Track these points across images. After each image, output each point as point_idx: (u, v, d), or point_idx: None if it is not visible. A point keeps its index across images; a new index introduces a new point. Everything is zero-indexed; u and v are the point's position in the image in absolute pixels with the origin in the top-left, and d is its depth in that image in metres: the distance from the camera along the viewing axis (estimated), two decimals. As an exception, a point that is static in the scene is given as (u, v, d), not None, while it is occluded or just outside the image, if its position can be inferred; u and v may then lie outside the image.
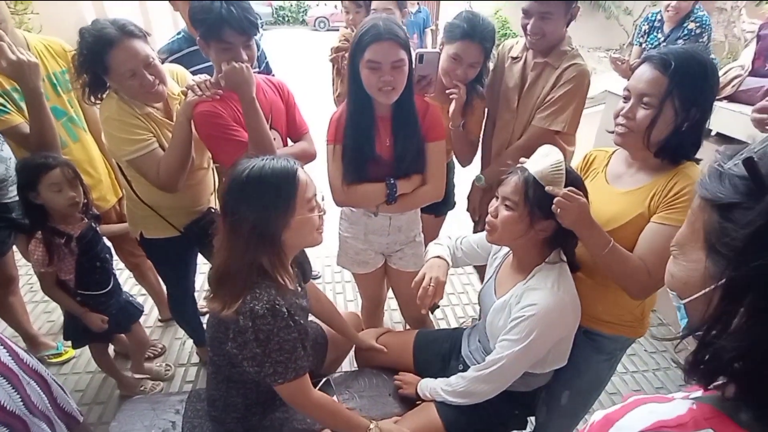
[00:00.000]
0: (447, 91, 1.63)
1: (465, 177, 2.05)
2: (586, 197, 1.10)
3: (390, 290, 1.96)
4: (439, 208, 1.95)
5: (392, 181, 1.46)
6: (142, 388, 1.95)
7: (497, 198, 1.19)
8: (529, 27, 1.59)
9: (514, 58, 1.75)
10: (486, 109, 1.80)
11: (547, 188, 1.08)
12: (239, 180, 1.06)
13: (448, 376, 1.34)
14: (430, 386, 1.35)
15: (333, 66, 2.45)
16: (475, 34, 1.55)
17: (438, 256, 1.42)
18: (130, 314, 1.80)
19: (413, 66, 1.41)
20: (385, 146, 1.45)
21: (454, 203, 2.06)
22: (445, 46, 1.63)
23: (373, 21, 1.31)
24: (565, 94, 1.60)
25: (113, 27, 1.32)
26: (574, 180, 1.11)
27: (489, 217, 1.20)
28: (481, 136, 1.95)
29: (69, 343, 1.82)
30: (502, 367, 1.17)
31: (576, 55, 1.63)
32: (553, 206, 1.05)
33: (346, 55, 2.10)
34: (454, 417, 1.28)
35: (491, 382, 1.20)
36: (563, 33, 1.63)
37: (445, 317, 2.51)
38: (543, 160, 1.12)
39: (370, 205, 1.52)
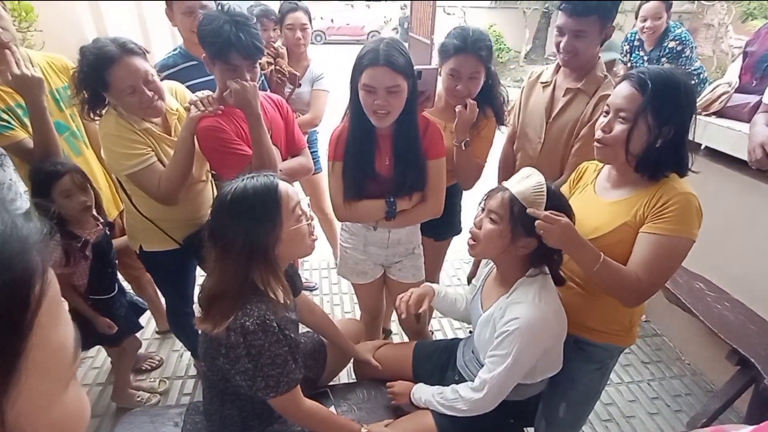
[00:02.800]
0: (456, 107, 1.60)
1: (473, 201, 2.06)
2: (571, 217, 1.14)
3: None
4: (441, 232, 1.93)
5: (392, 199, 1.48)
6: (138, 399, 1.95)
7: (483, 210, 1.22)
8: (562, 45, 1.56)
9: (543, 83, 1.72)
10: (495, 130, 1.73)
11: (528, 210, 1.11)
12: (223, 204, 1.08)
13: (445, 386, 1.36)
14: (425, 397, 1.35)
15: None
16: (467, 45, 1.54)
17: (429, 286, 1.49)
18: (136, 314, 1.87)
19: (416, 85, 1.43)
20: (384, 164, 1.48)
21: (461, 229, 2.00)
22: (442, 66, 1.63)
23: (374, 44, 1.34)
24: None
25: (114, 45, 1.36)
26: (557, 201, 1.15)
27: (473, 228, 1.23)
28: (502, 160, 1.91)
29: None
30: (495, 383, 1.19)
31: (610, 83, 1.58)
32: (536, 228, 1.08)
33: (278, 68, 2.23)
34: (449, 425, 1.30)
35: (487, 399, 1.22)
36: (596, 54, 1.60)
37: (442, 328, 2.53)
38: (525, 182, 1.15)
39: (370, 221, 1.55)
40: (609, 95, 1.51)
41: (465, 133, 1.60)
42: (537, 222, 1.08)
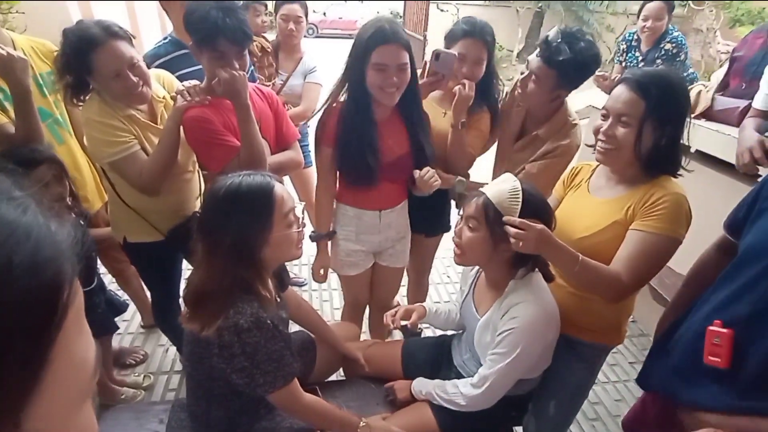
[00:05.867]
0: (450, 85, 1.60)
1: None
2: (550, 222, 1.16)
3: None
4: (432, 228, 1.94)
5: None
6: (123, 397, 1.91)
7: (461, 219, 1.24)
8: (520, 79, 1.62)
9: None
10: (489, 125, 1.76)
11: (504, 218, 1.11)
12: (216, 199, 1.06)
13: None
14: (425, 389, 1.36)
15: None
16: (475, 30, 1.59)
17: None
18: (114, 314, 1.80)
19: (427, 63, 1.57)
20: (387, 146, 1.49)
21: (450, 227, 2.01)
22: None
23: (378, 23, 1.36)
24: (537, 165, 1.61)
25: (98, 27, 1.32)
26: (534, 207, 1.15)
27: (455, 238, 1.25)
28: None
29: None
30: (495, 381, 1.20)
31: (569, 129, 1.60)
32: (511, 236, 1.08)
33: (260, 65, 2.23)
34: (449, 418, 1.30)
35: (487, 395, 1.22)
36: (552, 107, 1.61)
37: (430, 325, 2.52)
38: (501, 186, 1.17)
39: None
40: (557, 147, 1.57)
41: (463, 113, 1.59)
42: (511, 230, 1.08)
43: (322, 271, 1.67)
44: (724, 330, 0.94)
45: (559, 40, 1.46)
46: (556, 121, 1.62)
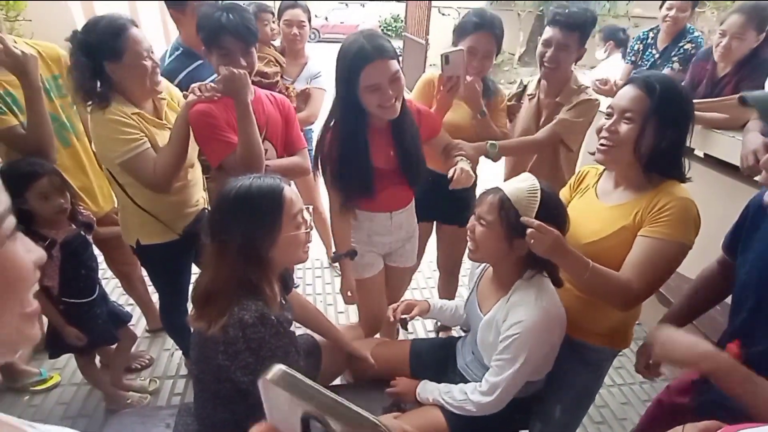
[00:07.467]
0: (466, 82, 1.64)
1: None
2: (564, 225, 1.15)
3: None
4: (466, 218, 1.93)
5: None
6: (129, 402, 1.91)
7: (474, 216, 1.23)
8: (547, 55, 1.69)
9: (529, 95, 1.87)
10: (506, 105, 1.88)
11: (522, 219, 1.10)
12: (227, 200, 1.08)
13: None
14: (432, 395, 1.34)
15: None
16: (485, 23, 1.62)
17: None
18: (116, 325, 1.77)
19: (441, 68, 1.59)
20: (389, 156, 1.48)
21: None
22: (459, 44, 1.67)
23: (356, 42, 1.30)
24: (571, 113, 1.71)
25: (121, 17, 1.40)
26: (552, 208, 1.15)
27: (469, 234, 1.25)
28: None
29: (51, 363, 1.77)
30: (504, 386, 1.20)
31: (584, 90, 1.74)
32: (527, 237, 1.07)
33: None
34: (458, 419, 1.29)
35: (496, 401, 1.22)
36: (570, 71, 1.74)
37: (415, 331, 2.51)
38: (519, 185, 1.16)
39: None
40: (583, 99, 1.67)
41: (478, 104, 1.68)
42: (529, 231, 1.07)
43: (350, 293, 1.63)
44: (731, 344, 1.01)
45: (559, 10, 1.60)
46: (571, 86, 1.74)
